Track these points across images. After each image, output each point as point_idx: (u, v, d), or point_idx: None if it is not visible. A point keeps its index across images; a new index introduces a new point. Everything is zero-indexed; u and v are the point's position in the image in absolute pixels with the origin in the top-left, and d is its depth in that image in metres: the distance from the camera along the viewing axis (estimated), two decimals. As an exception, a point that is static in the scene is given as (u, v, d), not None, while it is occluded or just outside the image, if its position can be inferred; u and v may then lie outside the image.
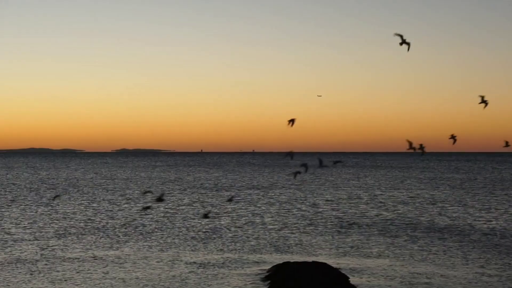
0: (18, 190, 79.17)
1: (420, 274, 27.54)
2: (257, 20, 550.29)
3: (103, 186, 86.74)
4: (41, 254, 31.82)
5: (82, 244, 35.43)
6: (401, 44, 16.74)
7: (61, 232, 40.02)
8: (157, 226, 42.97)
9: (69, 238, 37.72)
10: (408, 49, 16.68)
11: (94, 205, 58.49)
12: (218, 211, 53.15)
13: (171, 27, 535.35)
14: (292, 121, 18.70)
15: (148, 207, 31.32)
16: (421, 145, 17.68)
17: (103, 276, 26.82)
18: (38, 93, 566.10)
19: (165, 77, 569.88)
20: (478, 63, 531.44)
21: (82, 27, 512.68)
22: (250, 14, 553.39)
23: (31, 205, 57.77)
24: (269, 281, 25.48)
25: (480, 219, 48.01)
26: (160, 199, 21.83)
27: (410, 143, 17.44)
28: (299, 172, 21.34)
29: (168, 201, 62.27)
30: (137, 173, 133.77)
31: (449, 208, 56.37)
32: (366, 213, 51.63)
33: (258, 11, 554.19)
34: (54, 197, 45.28)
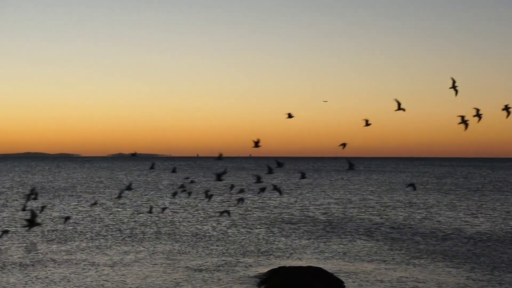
0: (10, 194, 78.85)
1: (413, 278, 27.50)
2: (254, 25, 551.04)
3: (97, 190, 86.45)
4: (34, 258, 31.65)
5: (75, 248, 35.25)
6: (451, 88, 17.07)
7: (53, 236, 39.83)
8: (149, 231, 42.81)
9: (62, 242, 37.52)
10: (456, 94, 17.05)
11: (87, 208, 58.26)
12: (211, 216, 53.03)
13: (167, 32, 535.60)
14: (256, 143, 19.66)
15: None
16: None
17: (97, 279, 26.68)
18: (34, 97, 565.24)
19: (161, 81, 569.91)
20: (479, 69, 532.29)
21: (78, 32, 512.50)
22: (247, 20, 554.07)
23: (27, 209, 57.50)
24: (264, 286, 25.37)
25: (471, 223, 48.07)
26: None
27: (399, 103, 17.68)
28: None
29: (161, 206, 62.10)
30: (132, 176, 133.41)
31: (441, 212, 56.38)
32: (360, 218, 51.58)
33: (254, 17, 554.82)
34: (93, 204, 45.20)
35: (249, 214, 54.26)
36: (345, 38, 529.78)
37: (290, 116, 20.94)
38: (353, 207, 61.18)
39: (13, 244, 36.30)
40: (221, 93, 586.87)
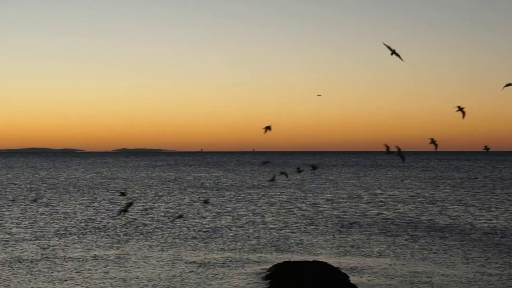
0: (19, 190, 79.15)
1: (420, 273, 27.49)
2: (256, 20, 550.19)
3: (103, 186, 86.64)
4: (42, 254, 31.78)
5: (82, 243, 35.37)
6: (392, 54, 16.81)
7: (61, 232, 39.99)
8: (157, 226, 42.91)
9: (70, 237, 37.66)
10: (399, 57, 16.63)
11: (95, 204, 58.45)
12: (218, 210, 53.13)
13: (171, 27, 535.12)
14: (267, 128, 19.69)
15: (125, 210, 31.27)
16: (398, 149, 18.10)
17: (104, 276, 26.78)
18: (39, 93, 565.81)
19: (165, 77, 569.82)
20: (478, 63, 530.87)
21: (82, 27, 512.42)
22: (250, 14, 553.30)
23: (32, 205, 57.69)
24: (269, 281, 25.41)
25: (480, 218, 47.92)
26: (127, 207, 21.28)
27: (387, 147, 17.94)
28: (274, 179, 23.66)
29: (168, 201, 62.27)
30: (137, 172, 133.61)
31: (449, 207, 56.29)
32: (366, 212, 51.56)
33: (257, 11, 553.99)
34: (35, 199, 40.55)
35: (254, 208, 54.30)
36: (343, 32, 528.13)
37: (268, 128, 20.46)
38: (363, 202, 61.09)
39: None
40: (226, 88, 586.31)
